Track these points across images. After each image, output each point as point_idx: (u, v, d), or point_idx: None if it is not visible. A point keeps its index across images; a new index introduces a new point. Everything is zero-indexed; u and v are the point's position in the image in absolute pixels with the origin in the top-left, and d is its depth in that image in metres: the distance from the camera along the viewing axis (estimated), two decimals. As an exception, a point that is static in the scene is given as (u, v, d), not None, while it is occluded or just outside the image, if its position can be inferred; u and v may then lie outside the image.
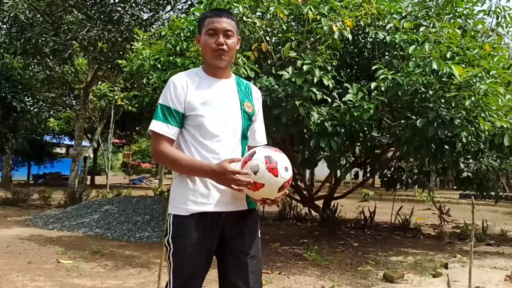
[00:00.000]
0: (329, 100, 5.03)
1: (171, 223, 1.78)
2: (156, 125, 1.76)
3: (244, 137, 1.89)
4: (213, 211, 1.76)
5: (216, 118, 1.79)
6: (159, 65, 5.71)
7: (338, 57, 5.56)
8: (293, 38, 5.06)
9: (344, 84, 5.18)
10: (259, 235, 1.89)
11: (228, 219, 1.79)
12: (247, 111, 1.88)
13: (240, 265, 1.79)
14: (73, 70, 12.22)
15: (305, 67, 4.64)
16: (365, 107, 4.73)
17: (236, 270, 1.79)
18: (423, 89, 4.88)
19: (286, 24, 5.49)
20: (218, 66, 1.83)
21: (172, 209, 1.81)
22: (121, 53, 10.35)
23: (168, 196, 1.91)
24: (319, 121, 4.85)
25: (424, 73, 4.64)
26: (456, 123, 4.65)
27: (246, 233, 1.83)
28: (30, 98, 12.00)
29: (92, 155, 19.82)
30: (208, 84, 1.83)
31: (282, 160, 1.69)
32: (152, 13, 10.63)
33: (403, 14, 5.83)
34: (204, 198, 1.76)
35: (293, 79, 4.76)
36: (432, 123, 4.64)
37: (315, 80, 4.69)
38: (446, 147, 5.13)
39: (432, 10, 5.76)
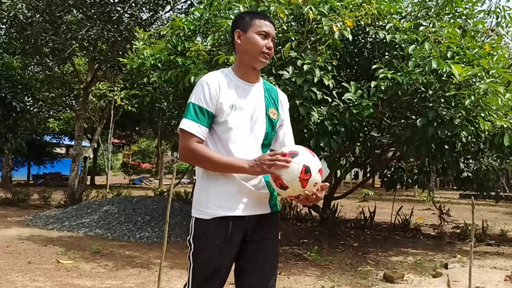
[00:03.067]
0: (329, 99, 5.03)
1: (193, 224, 1.80)
2: (188, 124, 1.75)
3: (266, 144, 1.89)
4: (235, 215, 1.76)
5: (242, 123, 1.80)
6: (159, 65, 5.72)
7: (338, 57, 5.55)
8: (293, 38, 5.06)
9: (343, 83, 5.17)
10: (279, 237, 1.91)
11: (251, 222, 1.79)
12: (271, 118, 1.89)
13: (260, 267, 1.80)
14: (73, 70, 12.21)
15: (305, 67, 4.64)
16: (364, 104, 4.73)
17: (254, 272, 1.80)
18: (422, 88, 4.87)
19: (286, 24, 5.48)
20: (257, 68, 1.85)
21: (195, 212, 1.81)
22: (120, 53, 10.35)
23: (168, 196, 1.91)
24: (319, 121, 4.84)
25: (423, 72, 4.64)
26: (456, 123, 4.64)
27: (268, 237, 1.84)
28: (30, 98, 11.99)
29: (92, 155, 19.84)
30: (238, 87, 1.84)
31: (315, 176, 1.66)
32: (151, 13, 10.63)
33: (403, 14, 5.83)
34: (228, 202, 1.76)
35: (293, 79, 4.76)
36: (432, 123, 4.64)
37: (315, 80, 4.69)
38: (446, 147, 5.13)
39: (432, 10, 5.76)
